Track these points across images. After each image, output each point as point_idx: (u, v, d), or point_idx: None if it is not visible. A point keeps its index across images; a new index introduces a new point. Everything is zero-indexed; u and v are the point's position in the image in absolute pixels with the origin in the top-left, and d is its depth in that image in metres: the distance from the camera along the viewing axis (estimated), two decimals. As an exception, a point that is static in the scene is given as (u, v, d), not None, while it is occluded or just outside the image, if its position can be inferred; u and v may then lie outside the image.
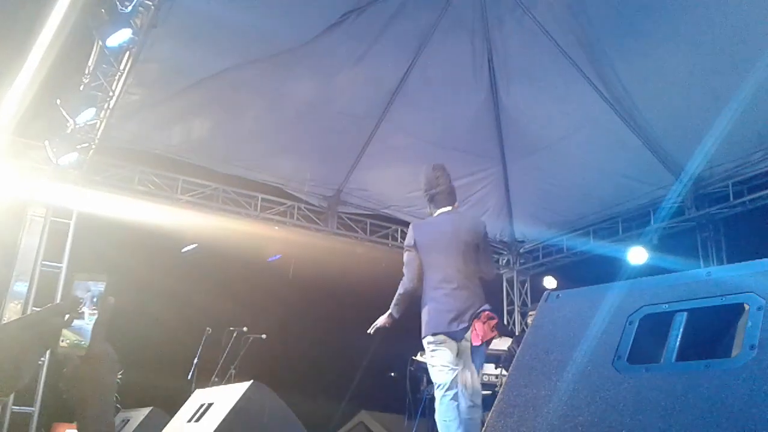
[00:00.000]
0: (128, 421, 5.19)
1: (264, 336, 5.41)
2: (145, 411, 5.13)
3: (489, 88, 7.70)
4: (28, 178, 7.28)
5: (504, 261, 10.31)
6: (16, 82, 5.40)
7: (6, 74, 5.52)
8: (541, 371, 1.58)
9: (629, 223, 8.52)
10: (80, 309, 1.20)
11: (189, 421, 3.36)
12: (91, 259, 8.14)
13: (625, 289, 1.68)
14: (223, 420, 3.04)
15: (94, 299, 1.22)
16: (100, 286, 1.22)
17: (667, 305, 1.55)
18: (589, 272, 9.23)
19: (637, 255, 8.27)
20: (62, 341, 1.15)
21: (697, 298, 1.52)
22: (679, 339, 1.46)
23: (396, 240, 9.49)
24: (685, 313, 1.51)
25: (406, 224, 9.46)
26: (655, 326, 1.54)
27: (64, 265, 7.31)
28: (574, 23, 6.64)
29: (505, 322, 9.88)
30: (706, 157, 7.13)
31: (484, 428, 1.53)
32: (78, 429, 1.16)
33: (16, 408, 6.67)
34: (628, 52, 6.68)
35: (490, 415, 1.56)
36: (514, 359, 1.68)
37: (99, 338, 1.18)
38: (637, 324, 1.55)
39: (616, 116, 7.21)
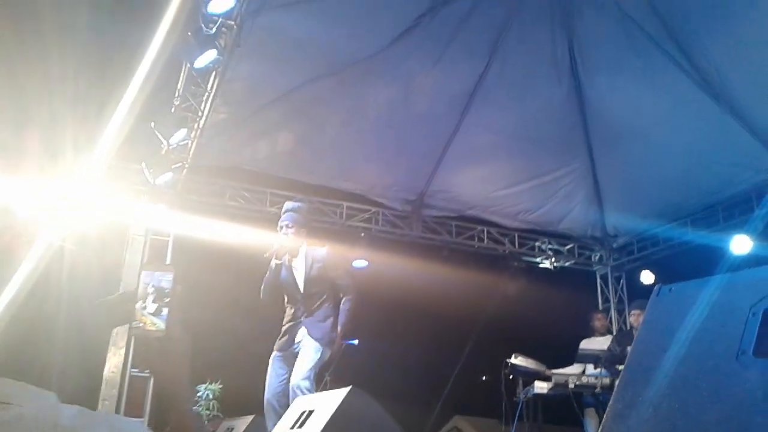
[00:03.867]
0: (232, 429, 5.35)
1: (356, 342, 5.46)
2: (248, 419, 5.28)
3: (571, 79, 7.48)
4: (128, 199, 7.68)
5: (597, 257, 9.98)
6: (117, 110, 5.73)
7: (109, 103, 5.86)
8: (657, 369, 1.50)
9: (730, 210, 8.04)
10: (147, 298, 1.36)
11: (292, 427, 3.42)
12: (187, 275, 8.47)
13: (744, 279, 1.58)
14: (326, 425, 3.07)
15: (166, 290, 1.36)
16: (168, 276, 1.37)
17: (795, 294, 1.44)
18: (688, 265, 8.78)
19: (741, 244, 7.80)
20: (136, 324, 1.31)
21: (828, 285, 1.41)
22: (811, 330, 1.36)
23: (483, 241, 9.38)
24: (817, 302, 1.40)
25: (493, 224, 9.35)
26: (782, 317, 1.43)
27: (164, 281, 7.66)
28: (659, 5, 6.36)
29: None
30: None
31: (600, 431, 1.47)
32: (168, 397, 1.30)
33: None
34: (720, 33, 6.32)
35: (605, 418, 1.50)
36: (627, 358, 1.61)
37: (174, 321, 1.33)
38: (761, 315, 1.45)
39: (710, 100, 6.83)
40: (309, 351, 4.51)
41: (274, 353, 4.72)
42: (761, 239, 7.72)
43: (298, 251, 4.75)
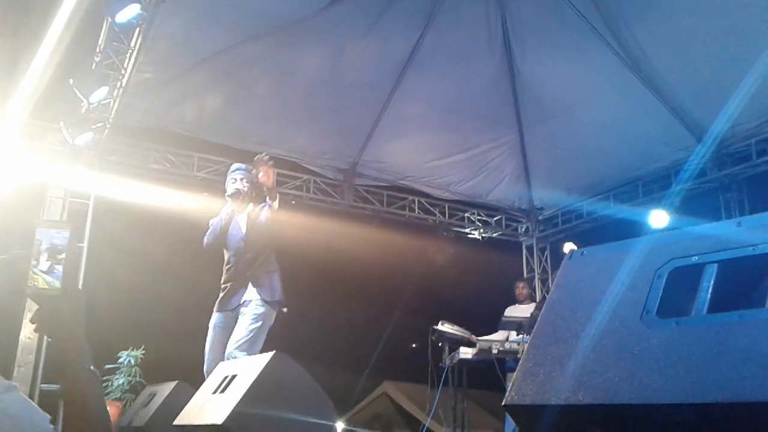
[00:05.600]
0: (155, 395, 5.25)
1: (285, 309, 5.41)
2: (171, 385, 5.18)
3: (504, 53, 7.56)
4: (46, 159, 7.31)
5: (523, 228, 10.24)
6: (32, 65, 5.38)
7: (22, 58, 5.51)
8: (566, 329, 1.54)
9: (650, 186, 8.40)
10: (40, 256, 1.33)
11: (214, 392, 3.37)
12: (110, 238, 8.19)
13: (652, 242, 1.63)
14: (248, 390, 3.04)
15: (60, 247, 1.33)
16: (64, 234, 1.33)
17: (696, 257, 1.49)
18: (609, 237, 8.97)
19: (658, 218, 8.17)
20: (32, 284, 1.27)
21: (727, 249, 1.47)
22: (710, 291, 1.41)
23: (413, 211, 9.44)
24: (716, 265, 1.46)
25: (424, 195, 9.42)
26: (684, 279, 1.49)
27: (84, 245, 7.37)
28: (590, -18, 6.48)
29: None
30: (731, 118, 6.95)
31: (510, 388, 1.50)
32: (62, 358, 1.28)
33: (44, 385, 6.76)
34: (645, 13, 6.51)
35: (515, 375, 1.53)
36: (539, 319, 1.65)
37: (71, 281, 1.30)
38: (665, 277, 1.50)
39: (635, 78, 7.05)
40: (249, 318, 4.28)
41: (216, 315, 4.46)
42: (677, 214, 8.09)
43: (244, 208, 4.66)
